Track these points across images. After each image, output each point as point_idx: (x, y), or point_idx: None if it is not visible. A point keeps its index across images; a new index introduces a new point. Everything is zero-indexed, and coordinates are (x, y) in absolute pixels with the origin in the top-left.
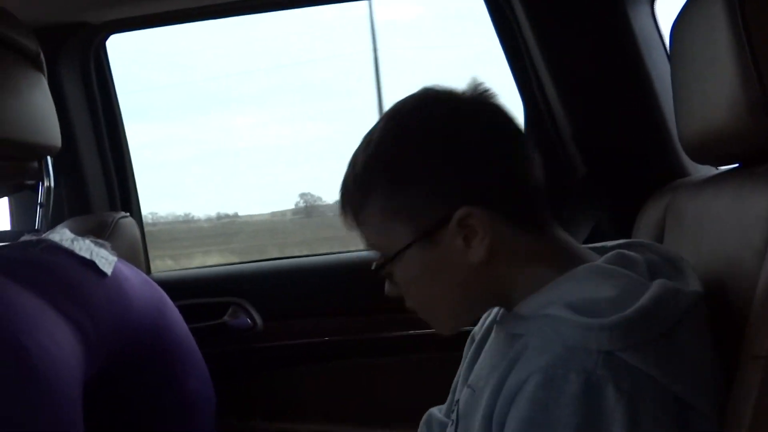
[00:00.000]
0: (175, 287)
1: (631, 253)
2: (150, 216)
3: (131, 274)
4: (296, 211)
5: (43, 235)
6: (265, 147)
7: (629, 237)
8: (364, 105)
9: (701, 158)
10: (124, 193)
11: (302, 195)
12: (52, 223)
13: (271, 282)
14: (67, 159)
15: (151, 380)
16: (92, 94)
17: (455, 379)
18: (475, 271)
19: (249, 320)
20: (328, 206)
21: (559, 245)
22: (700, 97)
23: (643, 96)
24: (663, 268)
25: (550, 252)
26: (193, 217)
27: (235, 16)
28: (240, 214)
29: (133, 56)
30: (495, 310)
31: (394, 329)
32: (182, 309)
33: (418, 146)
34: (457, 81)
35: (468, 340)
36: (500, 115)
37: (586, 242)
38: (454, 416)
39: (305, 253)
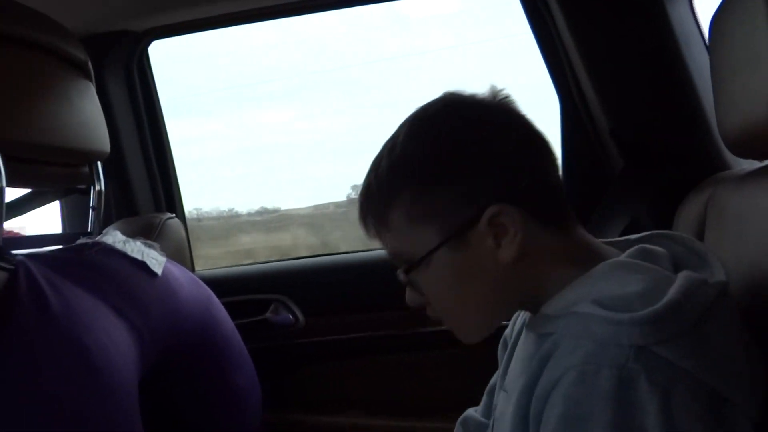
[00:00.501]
0: (219, 285)
1: (654, 247)
2: (195, 212)
3: (179, 273)
4: (338, 205)
5: (97, 237)
6: (299, 142)
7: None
8: (396, 100)
9: (742, 152)
10: (169, 195)
11: (354, 187)
12: (102, 226)
13: (312, 279)
14: (114, 163)
15: (202, 375)
16: (136, 99)
17: (491, 381)
18: (505, 272)
19: (291, 316)
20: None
21: (581, 243)
22: (740, 90)
23: (682, 89)
24: (687, 259)
25: (574, 250)
26: (236, 212)
27: (271, 20)
28: (282, 208)
29: (174, 58)
30: (525, 313)
31: (433, 324)
32: (226, 306)
33: (449, 148)
34: (491, 76)
35: (500, 344)
36: (523, 118)
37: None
38: (491, 420)
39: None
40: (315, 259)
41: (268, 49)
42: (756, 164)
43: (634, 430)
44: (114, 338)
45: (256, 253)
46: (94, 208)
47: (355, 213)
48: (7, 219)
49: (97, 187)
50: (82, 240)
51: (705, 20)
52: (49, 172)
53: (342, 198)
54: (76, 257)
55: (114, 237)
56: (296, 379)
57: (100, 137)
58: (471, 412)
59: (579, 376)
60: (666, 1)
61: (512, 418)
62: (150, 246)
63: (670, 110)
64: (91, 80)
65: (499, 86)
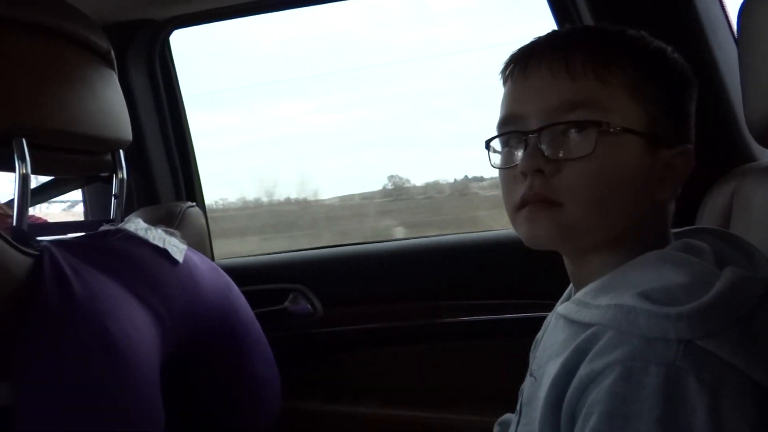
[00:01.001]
0: (239, 274)
1: (697, 242)
2: (221, 202)
3: (200, 261)
4: (364, 196)
5: (119, 225)
6: (319, 134)
7: (693, 223)
8: (414, 91)
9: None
10: (189, 184)
11: (391, 177)
12: (124, 213)
13: (331, 269)
14: (136, 152)
15: (221, 363)
16: (157, 88)
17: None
18: (640, 205)
19: (309, 306)
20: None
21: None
22: None
23: (708, 79)
24: (731, 255)
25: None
26: (262, 202)
27: (293, 8)
28: (309, 199)
29: (196, 49)
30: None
31: (451, 315)
32: (245, 295)
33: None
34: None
35: (533, 345)
36: None
37: None
38: (519, 405)
39: None
40: (333, 249)
41: (287, 42)
42: None
43: (681, 430)
44: (136, 324)
45: None
46: (116, 196)
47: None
48: (31, 205)
49: (120, 176)
50: (105, 227)
51: (732, 11)
52: (72, 159)
53: (366, 189)
54: (99, 244)
55: (136, 224)
56: (314, 369)
57: (122, 126)
58: (509, 416)
59: (624, 373)
60: None
61: (544, 405)
62: (171, 234)
63: (696, 99)
64: (113, 69)
65: None
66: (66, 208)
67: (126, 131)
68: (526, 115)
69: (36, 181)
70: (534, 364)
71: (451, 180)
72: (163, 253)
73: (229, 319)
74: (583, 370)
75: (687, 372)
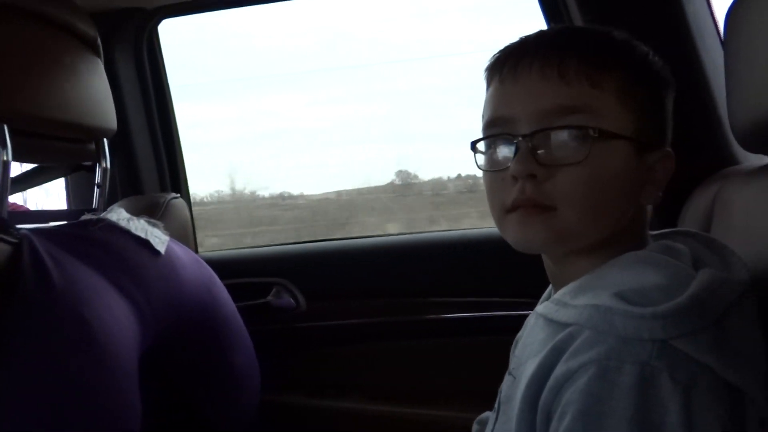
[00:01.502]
0: (222, 267)
1: (676, 244)
2: (216, 194)
3: (182, 253)
4: (360, 191)
5: (101, 214)
6: (310, 128)
7: (675, 225)
8: (413, 86)
9: (753, 147)
10: (174, 175)
11: (399, 173)
12: (107, 203)
13: (315, 263)
14: (121, 141)
15: (202, 354)
16: (144, 77)
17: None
18: (626, 208)
19: (292, 300)
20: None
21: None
22: (754, 84)
23: (694, 81)
24: (708, 257)
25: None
26: (259, 195)
27: (280, 1)
28: (305, 193)
29: (185, 38)
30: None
31: (435, 312)
32: (228, 288)
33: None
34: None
35: (513, 344)
36: None
37: None
38: (497, 404)
39: None
40: (318, 243)
41: (281, 35)
42: (765, 159)
43: (654, 428)
44: (115, 314)
45: None
46: (99, 186)
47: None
48: (13, 193)
49: (103, 165)
50: (86, 216)
51: (720, 13)
52: (55, 147)
53: (363, 185)
54: (80, 233)
55: (118, 214)
56: (297, 363)
57: (107, 114)
58: (488, 414)
59: (599, 372)
60: None
61: (521, 404)
62: (154, 225)
63: (681, 102)
64: (99, 57)
65: None
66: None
67: (111, 120)
68: (516, 118)
69: (20, 168)
70: (513, 362)
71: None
72: (145, 244)
73: (211, 311)
74: (558, 370)
75: (661, 371)
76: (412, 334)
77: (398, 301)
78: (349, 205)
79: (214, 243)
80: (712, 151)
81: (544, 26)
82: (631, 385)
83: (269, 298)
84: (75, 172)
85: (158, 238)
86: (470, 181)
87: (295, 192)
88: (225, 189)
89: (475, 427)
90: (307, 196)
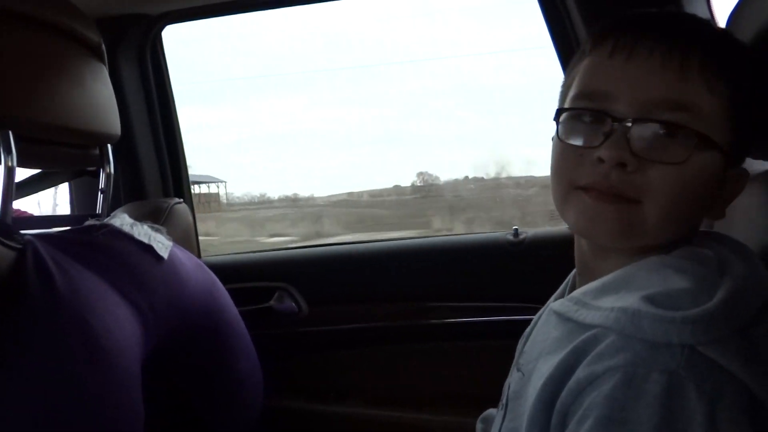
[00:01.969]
0: (225, 271)
1: (703, 249)
2: (226, 196)
3: (185, 258)
4: (372, 194)
5: (105, 220)
6: (313, 131)
7: None
8: (414, 89)
9: (754, 152)
10: (177, 180)
11: (420, 174)
12: (111, 208)
13: (317, 268)
14: (124, 146)
15: (204, 360)
16: (148, 83)
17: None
18: (700, 218)
19: (294, 305)
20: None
21: None
22: None
23: None
24: (735, 264)
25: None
26: (269, 198)
27: (285, 7)
28: (315, 195)
29: (193, 44)
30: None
31: (436, 316)
32: (231, 292)
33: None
34: (511, 69)
35: (521, 339)
36: None
37: None
38: (504, 400)
39: None
40: (319, 248)
41: (285, 39)
42: (766, 165)
43: None
44: (118, 319)
45: None
46: (103, 191)
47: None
48: (17, 198)
49: (107, 170)
50: (90, 222)
51: (719, 15)
52: (59, 153)
53: (376, 187)
54: (83, 238)
55: (122, 220)
56: (299, 368)
57: (111, 120)
58: (492, 411)
59: (625, 379)
60: None
61: (535, 402)
62: (157, 230)
63: None
64: (104, 63)
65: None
66: None
67: (115, 126)
68: (617, 98)
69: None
70: (522, 358)
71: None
72: (148, 249)
73: (213, 316)
74: (581, 372)
75: (688, 381)
76: (414, 338)
77: (399, 306)
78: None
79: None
80: None
81: (543, 26)
82: (657, 394)
83: (271, 302)
84: (79, 177)
85: (161, 244)
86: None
87: (306, 194)
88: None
89: (479, 425)
90: (318, 198)
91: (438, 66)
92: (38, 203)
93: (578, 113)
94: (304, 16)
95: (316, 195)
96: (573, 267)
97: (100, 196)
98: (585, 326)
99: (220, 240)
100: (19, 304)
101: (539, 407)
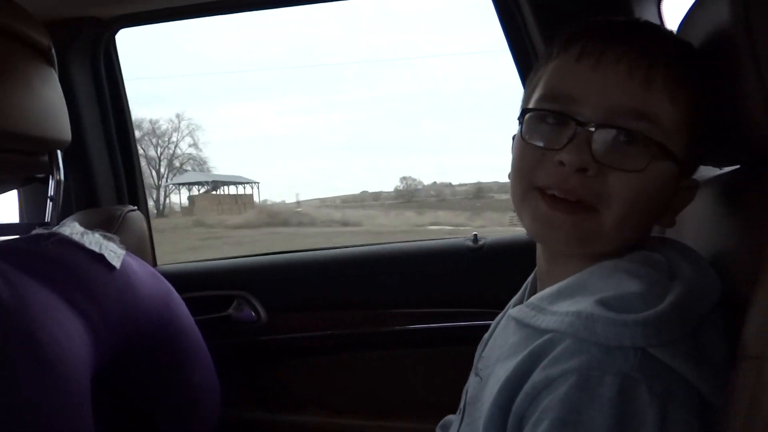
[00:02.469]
0: (181, 280)
1: (653, 254)
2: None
3: (139, 267)
4: (345, 199)
5: (54, 228)
6: (276, 136)
7: None
8: (382, 95)
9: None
10: (131, 187)
11: (403, 178)
12: (60, 217)
13: (276, 275)
14: (76, 152)
15: (158, 371)
16: (101, 88)
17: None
18: (651, 226)
19: (253, 313)
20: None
21: None
22: None
23: None
24: (684, 268)
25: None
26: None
27: (244, 12)
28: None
29: (148, 48)
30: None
31: (396, 323)
32: (188, 301)
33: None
34: (476, 74)
35: (480, 345)
36: None
37: None
38: (462, 405)
39: None
40: (278, 255)
41: (246, 44)
42: (715, 171)
43: None
44: (67, 331)
45: None
46: (52, 198)
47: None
48: None
49: (56, 177)
50: (37, 230)
51: (672, 27)
52: (6, 159)
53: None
54: (30, 248)
55: (72, 228)
56: (258, 377)
57: (61, 125)
58: (451, 417)
59: (580, 382)
60: (635, 7)
61: (491, 406)
62: (109, 238)
63: None
64: (53, 67)
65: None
66: None
67: (65, 131)
68: (582, 102)
69: None
70: (480, 363)
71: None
72: (100, 259)
73: (168, 326)
74: (537, 376)
75: (640, 383)
76: (375, 345)
77: (360, 313)
78: None
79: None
80: None
81: (499, 31)
82: (610, 396)
83: (230, 311)
84: (28, 184)
85: (113, 253)
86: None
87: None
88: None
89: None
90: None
91: (406, 70)
92: None
93: (543, 114)
94: (265, 21)
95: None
96: (531, 272)
97: (49, 204)
98: (541, 331)
99: None
100: None
101: (495, 411)
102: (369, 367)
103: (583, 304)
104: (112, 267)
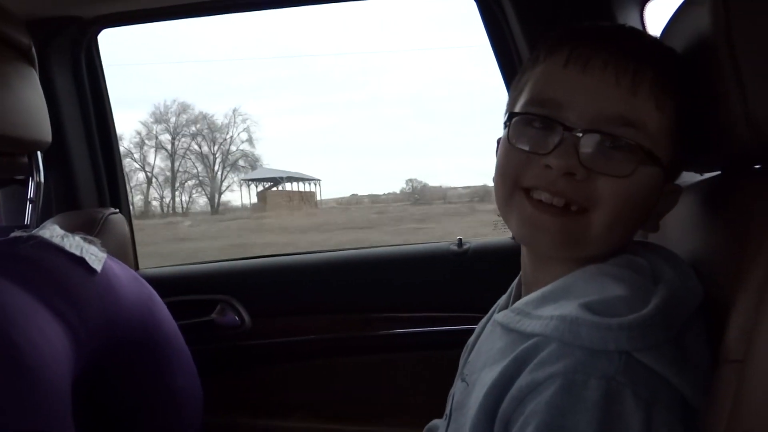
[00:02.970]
0: (164, 284)
1: (636, 258)
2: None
3: (120, 270)
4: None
5: (33, 231)
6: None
7: None
8: (365, 98)
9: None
10: (113, 189)
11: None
12: (40, 219)
13: (259, 280)
14: (57, 154)
15: (140, 377)
16: (83, 88)
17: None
18: (636, 230)
19: (237, 318)
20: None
21: None
22: None
23: None
24: (666, 272)
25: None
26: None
27: (227, 13)
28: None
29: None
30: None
31: (379, 328)
32: (170, 306)
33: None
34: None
35: (464, 350)
36: None
37: None
38: (448, 410)
39: None
40: (262, 259)
41: (227, 41)
42: (698, 176)
43: None
44: (47, 336)
45: None
46: (32, 201)
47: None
48: None
49: (36, 179)
50: (16, 233)
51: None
52: None
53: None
54: (9, 251)
55: (52, 231)
56: (242, 382)
57: (41, 126)
58: (437, 422)
59: (565, 385)
60: (617, 13)
61: (477, 411)
62: (90, 241)
63: None
64: (34, 66)
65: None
66: None
67: (45, 132)
68: (569, 108)
69: None
70: (466, 368)
71: None
72: (80, 262)
73: (150, 331)
74: (522, 380)
75: (625, 387)
76: (359, 350)
77: (345, 317)
78: None
79: None
80: None
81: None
82: (595, 400)
83: (213, 315)
84: (6, 186)
85: (94, 256)
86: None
87: None
88: None
89: None
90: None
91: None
92: None
93: (529, 118)
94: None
95: None
96: (516, 276)
97: (28, 206)
98: (527, 335)
99: None
100: None
101: (482, 416)
102: (354, 372)
103: (568, 308)
104: (93, 270)
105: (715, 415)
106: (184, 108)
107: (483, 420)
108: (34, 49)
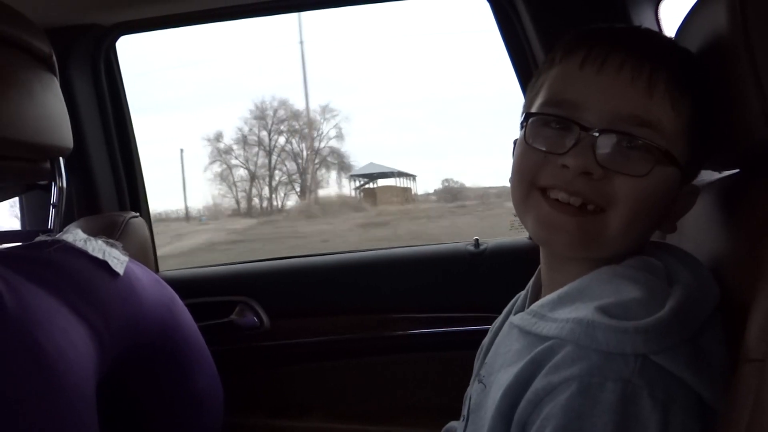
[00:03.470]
0: (184, 286)
1: (651, 259)
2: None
3: (142, 273)
4: None
5: (57, 235)
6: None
7: None
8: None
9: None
10: (133, 193)
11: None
12: (63, 223)
13: (278, 281)
14: (77, 159)
15: (162, 378)
16: (102, 94)
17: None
18: (653, 230)
19: (256, 319)
20: None
21: None
22: None
23: None
24: (682, 273)
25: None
26: None
27: (243, 18)
28: None
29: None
30: (509, 307)
31: (398, 328)
32: (190, 307)
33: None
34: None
35: (479, 351)
36: None
37: None
38: (465, 412)
39: None
40: (281, 261)
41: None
42: (716, 175)
43: None
44: (71, 339)
45: None
46: (54, 205)
47: None
48: None
49: (59, 184)
50: (41, 237)
51: (670, 30)
52: (8, 167)
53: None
54: (34, 255)
55: (75, 235)
56: (261, 382)
57: (63, 132)
58: (454, 424)
59: (582, 388)
60: (631, 11)
61: (494, 414)
62: (112, 245)
63: None
64: (55, 74)
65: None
66: None
67: (67, 138)
68: (586, 108)
69: None
70: (483, 370)
71: None
72: (103, 265)
73: (172, 333)
74: (539, 383)
75: (642, 389)
76: (377, 350)
77: (362, 318)
78: None
79: None
80: None
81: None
82: (612, 402)
83: (232, 316)
84: (30, 191)
85: (116, 259)
86: None
87: None
88: None
89: None
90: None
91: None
92: None
93: (546, 119)
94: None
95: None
96: (532, 277)
97: (51, 211)
98: (543, 338)
99: None
100: None
101: (498, 418)
102: (372, 373)
103: (584, 311)
104: (115, 274)
105: (736, 416)
106: (281, 104)
107: (500, 422)
108: (54, 57)
